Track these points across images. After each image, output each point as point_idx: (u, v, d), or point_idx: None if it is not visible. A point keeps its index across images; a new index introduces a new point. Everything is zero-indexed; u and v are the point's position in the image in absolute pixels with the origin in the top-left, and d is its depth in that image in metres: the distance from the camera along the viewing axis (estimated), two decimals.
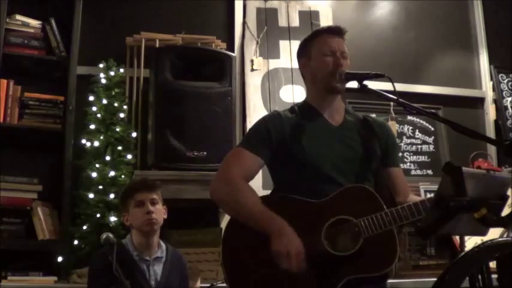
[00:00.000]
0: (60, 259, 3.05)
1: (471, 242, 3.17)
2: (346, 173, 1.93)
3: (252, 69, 3.81)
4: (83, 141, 3.22)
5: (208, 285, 2.66)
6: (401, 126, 4.10)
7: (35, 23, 3.39)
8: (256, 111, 3.68)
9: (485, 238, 1.63)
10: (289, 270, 1.76)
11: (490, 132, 4.24)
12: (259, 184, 3.33)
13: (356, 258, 1.77)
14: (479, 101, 4.35)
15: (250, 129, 2.09)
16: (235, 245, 1.88)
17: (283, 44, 3.89)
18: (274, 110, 2.13)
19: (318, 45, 2.02)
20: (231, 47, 3.82)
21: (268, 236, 1.80)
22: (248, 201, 1.88)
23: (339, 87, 1.98)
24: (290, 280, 1.79)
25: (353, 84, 1.90)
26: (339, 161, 1.94)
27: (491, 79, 4.33)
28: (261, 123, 2.03)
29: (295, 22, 3.96)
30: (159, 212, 2.44)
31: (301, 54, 2.10)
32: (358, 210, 1.81)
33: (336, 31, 2.05)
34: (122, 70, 3.42)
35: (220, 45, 3.70)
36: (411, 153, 4.09)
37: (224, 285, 2.22)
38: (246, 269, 1.84)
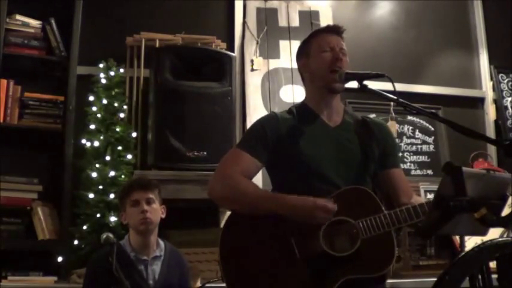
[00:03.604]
0: (60, 259, 3.05)
1: (471, 242, 3.17)
2: (344, 174, 1.92)
3: (252, 69, 3.81)
4: (83, 141, 3.22)
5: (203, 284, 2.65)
6: (401, 126, 4.10)
7: (35, 23, 3.39)
8: (256, 111, 3.68)
9: (485, 238, 1.63)
10: (326, 217, 1.78)
11: (490, 132, 4.24)
12: (259, 184, 3.32)
13: (353, 259, 1.77)
14: (479, 101, 4.36)
15: (247, 131, 2.09)
16: (233, 244, 1.87)
17: (283, 44, 3.89)
18: (272, 111, 2.14)
19: (317, 43, 2.02)
20: (231, 47, 3.82)
21: (265, 233, 1.80)
22: (248, 188, 1.88)
23: (337, 87, 1.97)
24: (287, 279, 1.79)
25: (353, 84, 1.90)
26: (336, 162, 1.93)
27: (491, 79, 4.34)
28: (258, 124, 2.02)
29: (295, 22, 3.96)
30: (155, 212, 2.43)
31: (301, 54, 2.10)
32: (356, 212, 1.81)
33: (334, 29, 2.05)
34: (122, 70, 3.42)
35: (220, 45, 3.70)
36: (411, 153, 4.09)
37: (219, 284, 2.22)
38: (244, 268, 1.84)
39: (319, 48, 2.00)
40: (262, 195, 1.88)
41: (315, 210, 1.77)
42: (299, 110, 2.04)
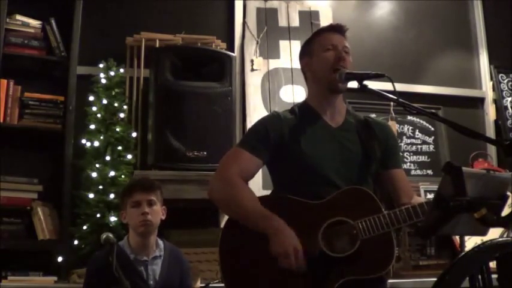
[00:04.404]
0: (60, 259, 3.05)
1: (471, 242, 3.17)
2: (345, 175, 1.91)
3: (252, 69, 3.81)
4: (83, 141, 3.22)
5: (206, 284, 2.66)
6: (401, 126, 4.10)
7: (35, 23, 3.39)
8: (256, 111, 3.68)
9: (485, 238, 1.63)
10: (289, 269, 1.75)
11: (490, 132, 4.24)
12: (259, 184, 3.33)
13: (353, 260, 1.77)
14: (479, 101, 4.36)
15: (249, 130, 2.09)
16: (233, 245, 1.87)
17: (283, 44, 3.89)
18: (274, 111, 2.12)
19: (319, 42, 2.01)
20: (231, 47, 3.82)
21: (265, 235, 1.79)
22: (245, 200, 1.87)
23: (340, 86, 1.96)
24: (286, 280, 1.79)
25: (353, 84, 1.90)
26: (337, 162, 1.92)
27: (491, 79, 4.34)
28: (260, 123, 2.02)
29: (295, 22, 3.96)
30: (155, 213, 2.42)
31: (303, 54, 2.09)
32: (356, 212, 1.80)
33: (337, 28, 2.03)
34: (122, 70, 3.42)
35: (220, 45, 3.70)
36: (411, 153, 4.09)
37: (220, 284, 2.22)
38: (243, 269, 1.84)
39: (322, 47, 1.98)
40: (255, 212, 1.85)
41: (284, 256, 1.74)
42: (301, 110, 2.03)
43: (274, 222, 1.80)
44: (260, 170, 2.04)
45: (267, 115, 2.11)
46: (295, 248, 1.75)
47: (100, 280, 2.22)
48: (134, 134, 3.37)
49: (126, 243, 2.43)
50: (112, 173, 3.13)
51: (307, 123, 1.99)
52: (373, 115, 3.74)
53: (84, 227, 3.05)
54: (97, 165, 3.14)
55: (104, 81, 3.32)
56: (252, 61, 3.81)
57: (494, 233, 1.90)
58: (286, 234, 1.77)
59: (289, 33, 3.92)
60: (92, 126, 3.22)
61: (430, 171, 4.08)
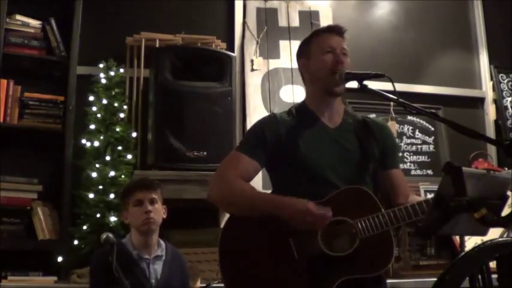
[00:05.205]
0: (60, 259, 3.05)
1: (471, 242, 3.17)
2: (343, 175, 1.91)
3: (252, 69, 3.81)
4: (83, 141, 3.22)
5: (207, 284, 2.66)
6: (401, 126, 4.10)
7: (35, 23, 3.39)
8: (256, 111, 3.68)
9: (485, 238, 1.63)
10: (322, 225, 1.76)
11: (490, 132, 4.24)
12: (259, 184, 3.31)
13: (352, 259, 1.77)
14: (479, 101, 4.36)
15: (246, 133, 2.10)
16: (233, 245, 1.87)
17: (283, 44, 3.89)
18: (271, 113, 2.13)
19: (317, 43, 2.00)
20: (231, 47, 3.82)
21: (263, 236, 1.80)
22: (245, 191, 1.88)
23: (337, 90, 1.96)
24: (286, 280, 1.79)
25: (353, 84, 1.89)
26: (335, 163, 1.92)
27: (491, 79, 4.34)
28: (257, 126, 2.02)
29: (295, 22, 3.96)
30: (158, 212, 2.44)
31: (301, 54, 2.08)
32: (355, 212, 1.80)
33: (335, 30, 2.02)
34: (122, 70, 3.42)
35: (220, 45, 3.70)
36: (411, 153, 4.09)
37: (220, 285, 2.22)
38: (243, 269, 1.84)
39: (320, 50, 1.97)
40: (259, 197, 1.88)
41: (306, 215, 1.75)
42: (299, 111, 2.03)
43: (278, 197, 1.83)
44: (259, 173, 2.04)
45: (264, 117, 2.10)
46: (310, 205, 1.75)
47: (105, 276, 2.22)
48: (134, 134, 3.37)
49: (129, 241, 2.44)
50: (112, 173, 3.12)
51: (305, 124, 1.98)
52: (373, 115, 3.75)
53: (84, 227, 3.04)
54: (97, 165, 3.14)
55: (104, 81, 3.32)
56: (252, 61, 3.82)
57: (494, 233, 1.90)
58: (295, 201, 1.78)
59: (289, 33, 3.92)
60: (92, 126, 3.22)
61: (430, 171, 4.08)
